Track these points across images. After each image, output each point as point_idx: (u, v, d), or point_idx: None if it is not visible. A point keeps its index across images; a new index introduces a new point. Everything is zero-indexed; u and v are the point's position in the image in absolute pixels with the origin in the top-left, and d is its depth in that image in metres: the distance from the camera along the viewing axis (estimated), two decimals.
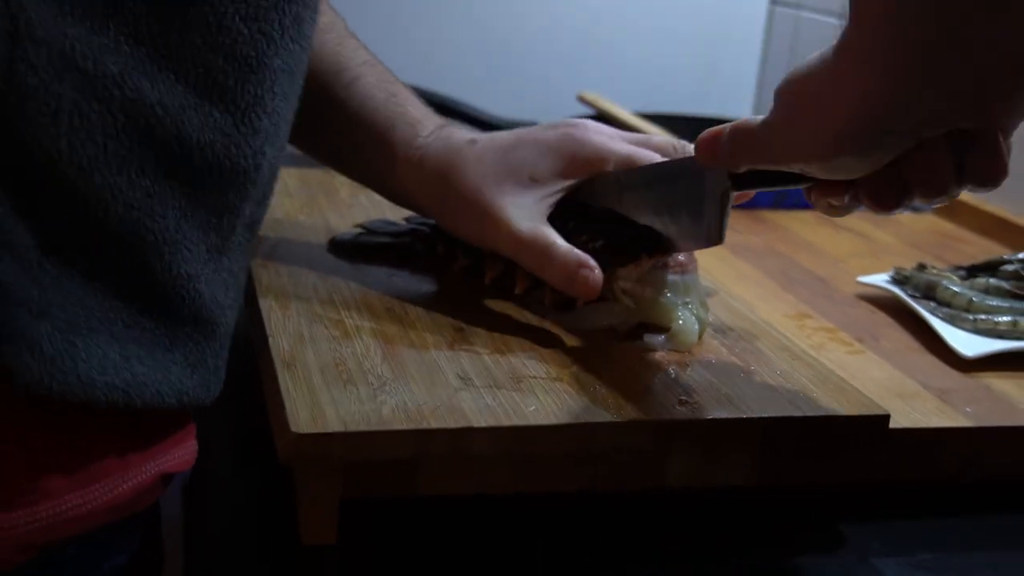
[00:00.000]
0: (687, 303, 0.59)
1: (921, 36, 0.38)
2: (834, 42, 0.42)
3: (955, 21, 0.38)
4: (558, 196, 0.62)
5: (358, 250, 0.70)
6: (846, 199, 0.48)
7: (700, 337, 0.59)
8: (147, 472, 0.49)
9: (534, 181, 0.62)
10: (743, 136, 0.49)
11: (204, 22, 0.44)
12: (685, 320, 0.58)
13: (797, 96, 0.44)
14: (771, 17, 1.36)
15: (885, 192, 0.45)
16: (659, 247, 0.59)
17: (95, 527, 0.48)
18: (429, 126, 0.66)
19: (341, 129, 0.66)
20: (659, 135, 0.67)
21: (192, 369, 0.48)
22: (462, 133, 0.65)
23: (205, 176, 0.45)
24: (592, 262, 0.58)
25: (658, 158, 0.62)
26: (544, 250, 0.59)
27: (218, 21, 0.44)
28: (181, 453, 0.51)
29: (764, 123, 0.47)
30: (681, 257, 0.60)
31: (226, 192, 0.47)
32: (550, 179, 0.62)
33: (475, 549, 0.51)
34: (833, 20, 1.24)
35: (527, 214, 0.61)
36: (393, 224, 0.74)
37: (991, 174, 0.44)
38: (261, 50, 0.46)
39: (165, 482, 0.51)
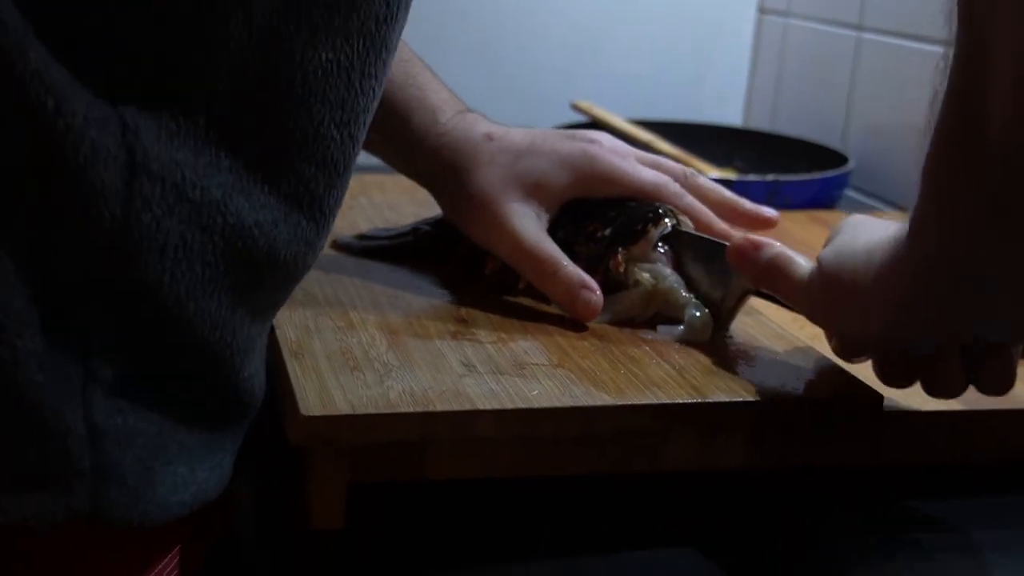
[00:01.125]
0: (695, 298, 0.61)
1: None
2: (888, 236, 0.47)
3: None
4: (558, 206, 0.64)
5: (359, 253, 0.71)
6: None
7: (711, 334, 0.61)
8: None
9: (542, 191, 0.63)
10: (781, 277, 0.54)
11: (301, 132, 0.42)
12: (700, 311, 0.60)
13: (842, 284, 0.49)
14: (759, 25, 1.38)
15: (892, 376, 0.51)
16: (663, 216, 0.62)
17: None
18: (448, 112, 0.66)
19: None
20: (670, 161, 0.69)
21: (234, 455, 0.46)
22: (481, 126, 0.65)
23: (283, 283, 0.45)
24: (594, 284, 0.60)
25: (670, 187, 0.66)
26: (547, 266, 0.61)
27: (315, 130, 0.42)
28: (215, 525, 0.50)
29: (805, 284, 0.52)
30: None
31: (289, 289, 0.47)
32: (558, 192, 0.63)
33: (480, 532, 0.52)
34: (820, 27, 1.27)
35: (532, 224, 0.62)
36: (391, 229, 0.75)
37: (1001, 385, 0.49)
38: (348, 154, 0.44)
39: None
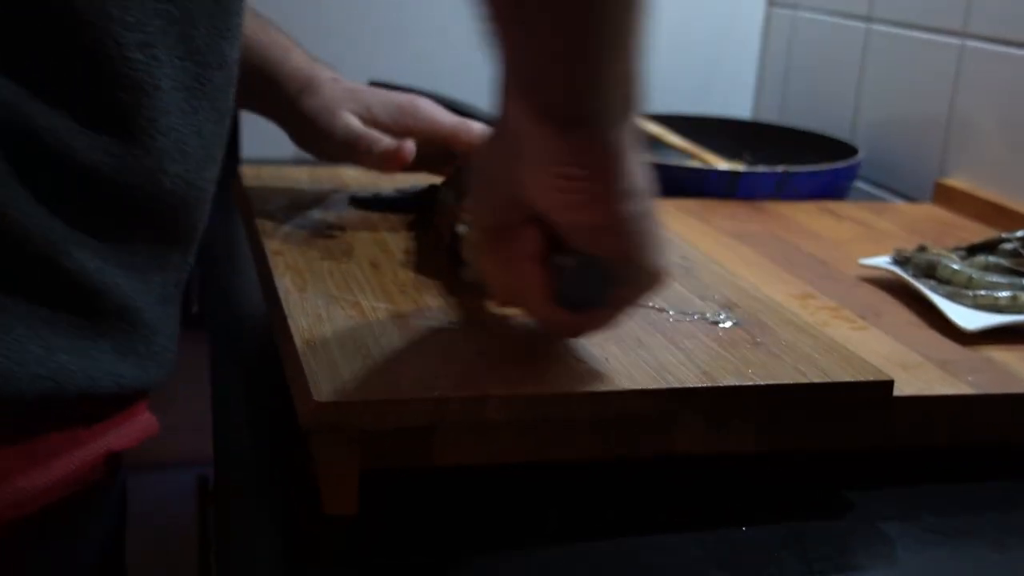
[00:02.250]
0: None
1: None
2: None
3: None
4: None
5: (374, 203, 0.80)
6: None
7: None
8: (94, 450, 0.51)
9: (369, 114, 0.77)
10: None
11: (93, 52, 0.46)
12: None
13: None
14: (768, 18, 1.38)
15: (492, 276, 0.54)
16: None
17: (50, 507, 0.49)
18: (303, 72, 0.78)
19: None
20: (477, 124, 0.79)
21: (123, 357, 0.50)
22: (327, 71, 0.79)
23: (95, 192, 0.47)
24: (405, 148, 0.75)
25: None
26: (364, 143, 0.75)
27: (106, 52, 0.46)
28: (130, 430, 0.53)
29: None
30: None
31: (124, 205, 0.49)
32: (383, 121, 0.77)
33: (491, 517, 0.52)
34: (829, 18, 1.27)
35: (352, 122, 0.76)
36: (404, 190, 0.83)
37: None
38: (154, 75, 0.48)
39: (115, 460, 0.53)
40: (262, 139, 1.22)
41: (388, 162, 0.75)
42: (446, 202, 0.70)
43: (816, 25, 1.30)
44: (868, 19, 1.20)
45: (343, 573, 0.48)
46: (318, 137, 0.77)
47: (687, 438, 0.55)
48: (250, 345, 0.69)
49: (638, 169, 0.49)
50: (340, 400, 0.48)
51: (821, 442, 0.57)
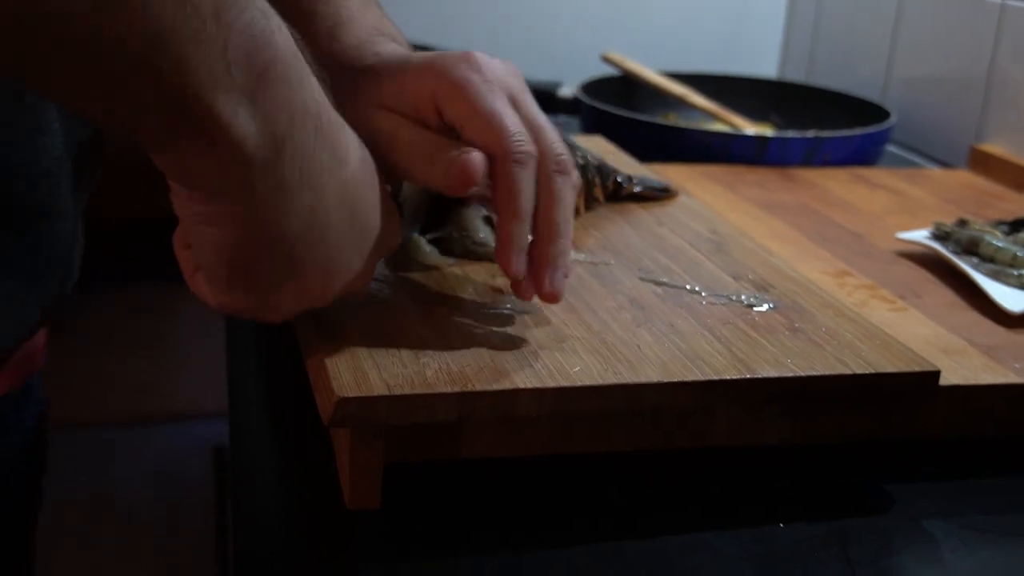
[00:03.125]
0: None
1: None
2: None
3: None
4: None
5: None
6: None
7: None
8: None
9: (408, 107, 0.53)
10: None
11: None
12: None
13: None
14: None
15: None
16: None
17: None
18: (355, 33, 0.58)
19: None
20: (554, 137, 0.54)
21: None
22: (370, 59, 0.56)
23: None
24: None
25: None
26: (428, 147, 0.52)
27: None
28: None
29: None
30: None
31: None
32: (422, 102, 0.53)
33: (518, 512, 0.50)
34: None
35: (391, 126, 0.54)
36: None
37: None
38: None
39: None
40: None
41: (453, 182, 0.51)
42: None
43: None
44: None
45: (366, 570, 0.46)
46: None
47: (723, 430, 0.53)
48: (266, 335, 0.66)
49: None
50: (364, 396, 0.45)
51: (860, 433, 0.55)
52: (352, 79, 0.55)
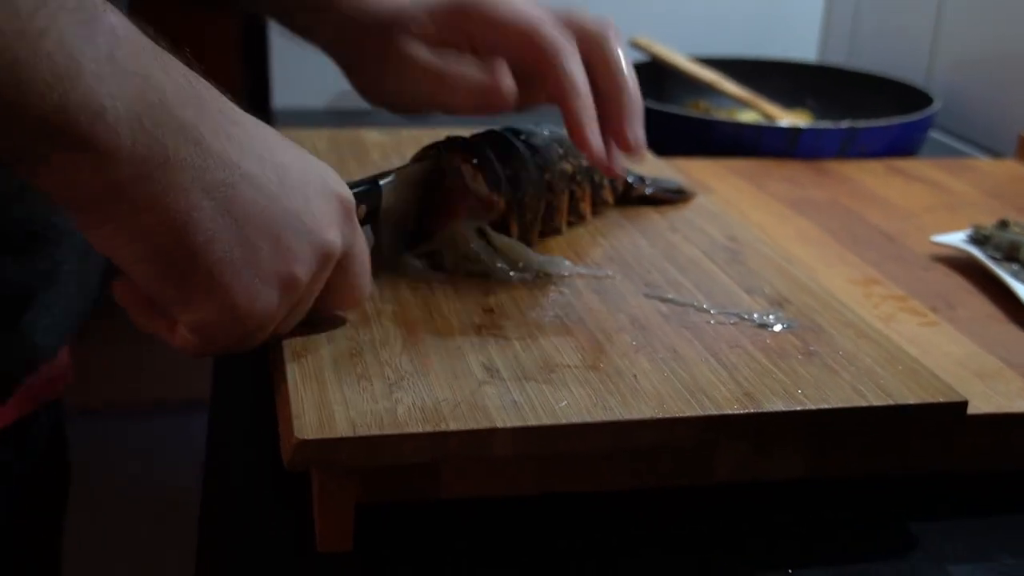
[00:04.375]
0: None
1: None
2: None
3: None
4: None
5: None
6: None
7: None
8: None
9: (431, 29, 0.60)
10: None
11: None
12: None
13: None
14: None
15: None
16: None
17: None
18: None
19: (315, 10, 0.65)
20: (588, 19, 0.59)
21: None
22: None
23: None
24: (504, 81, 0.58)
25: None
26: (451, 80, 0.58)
27: None
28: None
29: None
30: None
31: None
32: (438, 33, 0.60)
33: (502, 552, 0.46)
34: None
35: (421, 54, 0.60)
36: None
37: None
38: None
39: None
40: (294, 88, 1.16)
41: (482, 103, 0.58)
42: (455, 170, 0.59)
43: None
44: None
45: None
46: (383, 82, 0.63)
47: (727, 467, 0.49)
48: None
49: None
50: (325, 438, 0.42)
51: (880, 467, 0.51)
52: (379, 25, 0.60)
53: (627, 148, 0.57)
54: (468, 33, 0.59)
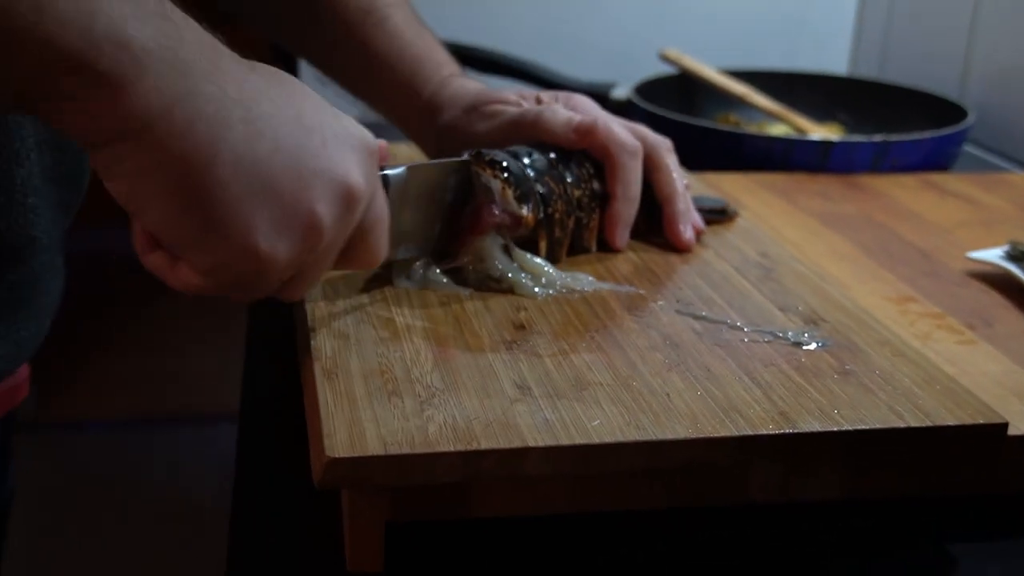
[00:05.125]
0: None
1: None
2: None
3: None
4: None
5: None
6: None
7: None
8: None
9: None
10: None
11: None
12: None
13: None
14: None
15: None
16: None
17: None
18: (452, 68, 0.70)
19: (371, 68, 0.70)
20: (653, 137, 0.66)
21: None
22: (470, 99, 0.67)
23: None
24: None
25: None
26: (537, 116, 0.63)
27: None
28: None
29: None
30: None
31: None
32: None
33: (532, 571, 0.46)
34: None
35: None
36: None
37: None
38: None
39: None
40: None
41: (582, 135, 0.62)
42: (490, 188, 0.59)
43: None
44: None
45: None
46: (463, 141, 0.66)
47: (762, 487, 0.48)
48: (278, 366, 0.63)
49: None
50: (357, 456, 0.42)
51: (919, 488, 0.50)
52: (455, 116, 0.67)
53: (682, 245, 0.64)
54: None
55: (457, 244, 0.58)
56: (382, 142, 0.50)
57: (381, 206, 0.49)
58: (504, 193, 0.58)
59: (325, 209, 0.43)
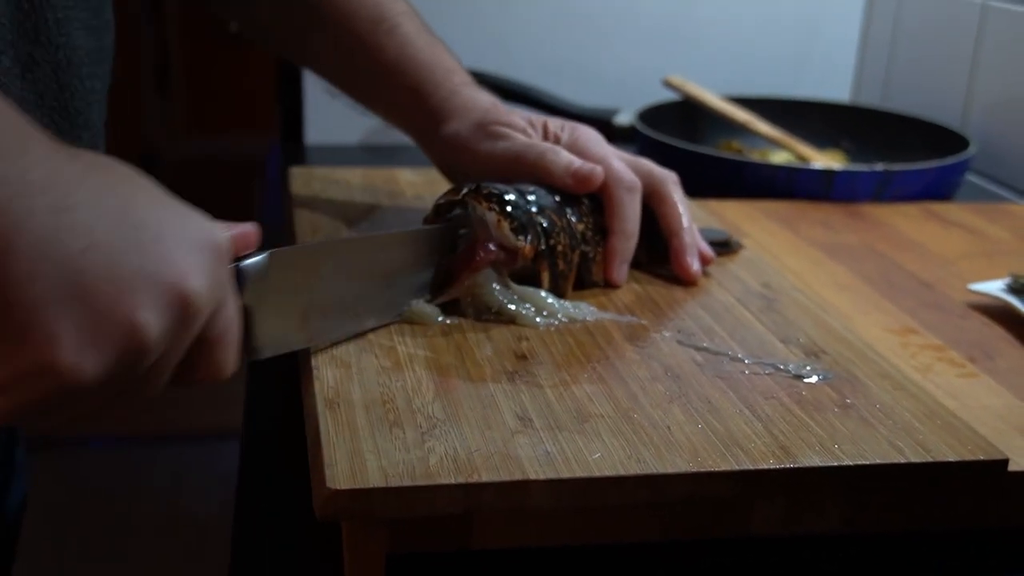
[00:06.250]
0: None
1: None
2: None
3: None
4: None
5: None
6: None
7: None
8: None
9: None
10: None
11: None
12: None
13: None
14: None
15: None
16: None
17: None
18: (463, 76, 0.70)
19: (381, 74, 0.70)
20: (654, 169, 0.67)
21: None
22: (479, 115, 0.67)
23: None
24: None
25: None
26: (537, 150, 0.64)
27: None
28: None
29: None
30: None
31: None
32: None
33: None
34: None
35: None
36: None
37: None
38: None
39: None
40: (327, 123, 1.17)
41: (580, 182, 0.63)
42: (480, 218, 0.59)
43: (924, 0, 1.18)
44: None
45: None
46: (466, 164, 0.68)
47: (764, 520, 0.48)
48: (282, 392, 0.63)
49: None
50: (358, 488, 0.42)
51: (921, 522, 0.50)
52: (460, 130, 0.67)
53: (690, 280, 0.65)
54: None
55: (452, 282, 0.58)
56: (245, 229, 0.44)
57: (230, 315, 0.42)
58: (500, 225, 0.58)
59: (151, 318, 0.37)
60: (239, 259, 0.45)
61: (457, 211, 0.60)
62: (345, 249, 0.55)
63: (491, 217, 0.58)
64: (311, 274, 0.50)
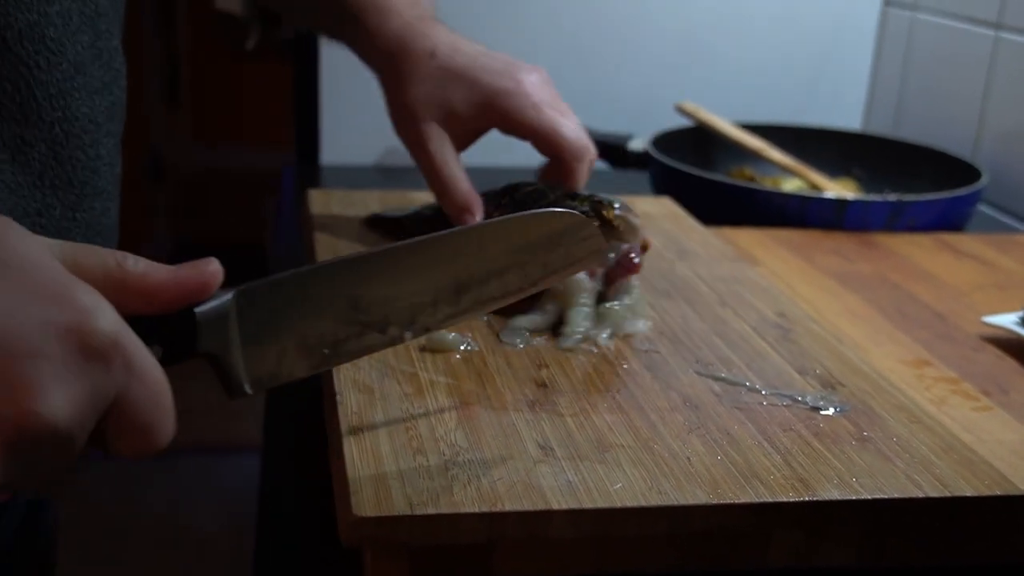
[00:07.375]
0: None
1: None
2: None
3: None
4: (473, 137, 0.72)
5: (378, 224, 0.76)
6: None
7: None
8: None
9: (455, 121, 0.70)
10: None
11: None
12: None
13: None
14: (884, 18, 1.27)
15: None
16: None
17: None
18: (401, 16, 0.71)
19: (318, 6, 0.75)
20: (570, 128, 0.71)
21: None
22: (428, 41, 0.70)
23: None
24: (476, 208, 0.70)
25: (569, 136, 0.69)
26: (446, 184, 0.70)
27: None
28: None
29: None
30: None
31: None
32: (470, 126, 0.71)
33: None
34: (952, 23, 1.16)
35: (443, 146, 0.70)
36: (401, 209, 0.78)
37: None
38: None
39: None
40: (342, 144, 1.18)
41: (459, 214, 0.70)
42: None
43: (937, 29, 1.19)
44: (997, 26, 1.09)
45: None
46: (401, 130, 0.72)
47: (782, 552, 0.48)
48: (302, 416, 0.63)
49: None
50: (384, 515, 0.42)
51: (936, 556, 0.50)
52: (400, 66, 0.70)
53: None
54: (496, 125, 0.71)
55: (608, 288, 0.62)
56: (197, 271, 0.38)
57: (139, 396, 0.35)
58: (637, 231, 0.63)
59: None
60: (194, 305, 0.39)
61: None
62: (326, 276, 0.43)
63: (635, 221, 0.63)
64: (304, 303, 0.42)
